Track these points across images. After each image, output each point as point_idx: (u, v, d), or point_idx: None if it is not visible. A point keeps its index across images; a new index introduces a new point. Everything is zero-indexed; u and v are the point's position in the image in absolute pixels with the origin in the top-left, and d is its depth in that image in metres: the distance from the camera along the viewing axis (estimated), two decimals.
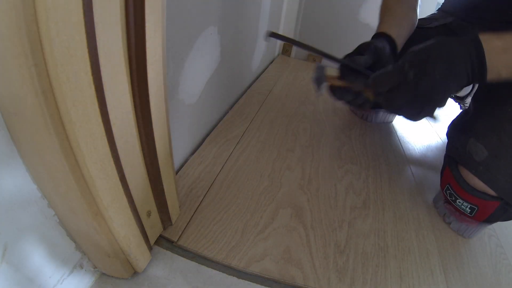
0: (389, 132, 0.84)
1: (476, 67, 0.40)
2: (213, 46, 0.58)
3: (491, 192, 0.46)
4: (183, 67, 0.47)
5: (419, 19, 0.73)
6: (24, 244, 0.26)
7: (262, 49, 1.01)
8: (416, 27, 0.70)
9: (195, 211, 0.46)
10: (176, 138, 0.50)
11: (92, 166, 0.24)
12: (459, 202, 0.50)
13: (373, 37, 0.58)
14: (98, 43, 0.21)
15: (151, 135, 0.32)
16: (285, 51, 1.30)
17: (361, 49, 0.53)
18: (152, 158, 0.34)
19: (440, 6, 0.74)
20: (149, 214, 0.36)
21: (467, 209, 0.49)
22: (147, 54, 0.26)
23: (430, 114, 0.43)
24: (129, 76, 0.26)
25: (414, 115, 0.44)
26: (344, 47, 0.81)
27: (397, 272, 0.43)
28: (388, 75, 0.43)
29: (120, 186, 0.28)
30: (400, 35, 0.59)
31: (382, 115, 0.85)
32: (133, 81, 0.27)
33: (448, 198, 0.53)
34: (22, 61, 0.18)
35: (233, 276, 0.39)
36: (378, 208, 0.55)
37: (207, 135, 0.65)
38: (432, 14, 0.74)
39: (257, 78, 1.00)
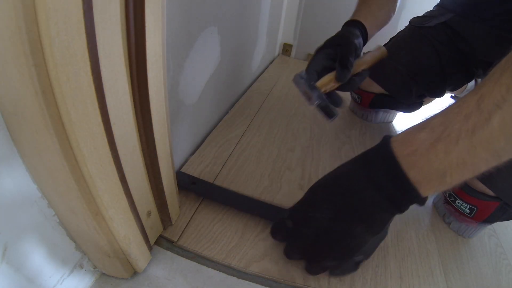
0: (389, 132, 0.84)
1: (390, 188, 0.30)
2: (213, 46, 0.58)
3: (490, 192, 0.46)
4: (183, 67, 0.47)
5: (416, 17, 0.72)
6: (24, 244, 0.26)
7: (262, 49, 1.01)
8: (415, 26, 0.70)
9: (195, 211, 0.46)
10: (176, 138, 0.50)
11: (92, 166, 0.24)
12: (458, 202, 0.50)
13: (345, 24, 0.59)
14: (98, 43, 0.21)
15: (151, 135, 0.32)
16: (285, 51, 1.30)
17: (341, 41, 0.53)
18: (152, 158, 0.34)
19: (438, 2, 0.72)
20: (149, 214, 0.36)
21: (467, 209, 0.49)
22: (147, 54, 0.26)
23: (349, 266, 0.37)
24: (129, 76, 0.26)
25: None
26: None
27: (397, 272, 0.43)
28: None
29: (120, 186, 0.28)
30: (372, 25, 0.58)
31: (382, 115, 0.85)
32: (133, 81, 0.27)
33: (448, 198, 0.53)
34: (22, 61, 0.18)
35: (233, 276, 0.39)
36: None
37: (207, 135, 0.65)
38: (429, 10, 0.72)
39: (257, 78, 1.00)
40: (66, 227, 0.30)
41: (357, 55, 0.52)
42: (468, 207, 0.49)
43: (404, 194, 0.30)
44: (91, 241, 0.30)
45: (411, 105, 0.79)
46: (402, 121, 0.90)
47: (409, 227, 0.52)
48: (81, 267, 0.33)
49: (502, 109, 0.25)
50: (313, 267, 0.37)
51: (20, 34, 0.17)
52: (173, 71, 0.45)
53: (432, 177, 0.29)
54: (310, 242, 0.35)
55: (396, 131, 0.85)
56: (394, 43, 0.74)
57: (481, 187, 0.46)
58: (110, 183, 0.26)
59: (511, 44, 0.29)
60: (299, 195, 0.53)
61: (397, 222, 0.52)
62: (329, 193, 0.34)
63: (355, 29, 0.55)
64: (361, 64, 0.54)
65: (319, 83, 0.50)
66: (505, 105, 0.25)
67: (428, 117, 0.29)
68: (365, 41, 0.58)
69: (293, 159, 0.63)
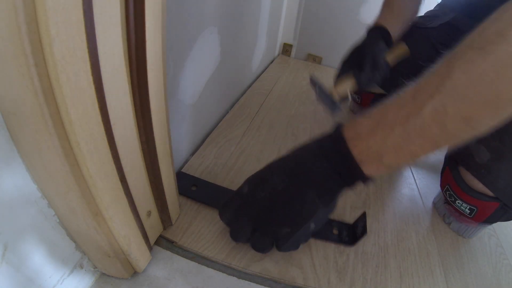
0: None
1: (339, 165, 0.33)
2: (213, 46, 0.58)
3: (490, 193, 0.46)
4: (183, 67, 0.47)
5: (418, 17, 0.71)
6: (24, 244, 0.26)
7: (262, 49, 1.01)
8: (417, 27, 0.69)
9: (196, 211, 0.46)
10: (176, 138, 0.50)
11: (92, 166, 0.24)
12: (458, 203, 0.50)
13: (369, 31, 0.60)
14: (98, 43, 0.21)
15: (151, 135, 0.32)
16: (285, 51, 1.30)
17: (358, 57, 0.55)
18: (152, 158, 0.34)
19: (440, 2, 0.72)
20: (149, 214, 0.36)
21: (467, 210, 0.49)
22: (147, 54, 0.26)
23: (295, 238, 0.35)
24: (129, 76, 0.26)
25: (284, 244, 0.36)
26: (344, 47, 0.83)
27: (397, 272, 0.43)
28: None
29: (120, 186, 0.28)
30: (396, 28, 0.59)
31: None
32: (133, 81, 0.27)
33: (448, 198, 0.53)
34: (22, 61, 0.18)
35: (233, 276, 0.39)
36: (378, 208, 0.54)
37: (208, 135, 0.65)
38: (431, 10, 0.72)
39: (257, 78, 1.00)
40: (66, 227, 0.30)
41: (377, 57, 0.54)
42: (468, 207, 0.49)
43: (349, 170, 0.33)
44: (91, 241, 0.30)
45: None
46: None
47: (409, 227, 0.52)
48: (81, 267, 0.33)
49: (434, 98, 0.27)
50: (263, 239, 0.36)
51: (20, 34, 0.17)
52: (173, 71, 0.45)
53: (371, 158, 0.32)
54: (264, 207, 0.36)
55: None
56: None
57: (481, 187, 0.46)
58: (110, 183, 0.26)
59: None
60: None
61: (397, 222, 0.52)
62: (285, 162, 0.37)
63: (377, 35, 0.57)
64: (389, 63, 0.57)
65: (340, 89, 0.53)
66: (437, 95, 0.27)
67: (374, 107, 0.33)
68: (388, 43, 0.58)
69: None
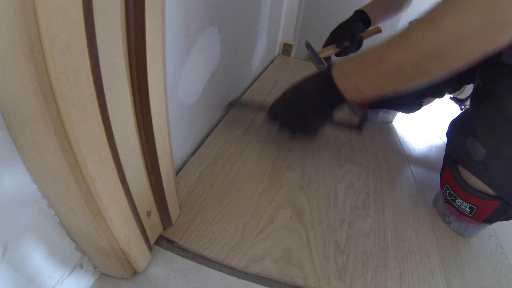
0: (389, 132, 0.84)
1: (329, 92, 0.48)
2: (213, 46, 0.58)
3: (490, 191, 0.46)
4: (183, 67, 0.47)
5: (416, 19, 0.75)
6: (24, 244, 0.26)
7: (262, 49, 1.01)
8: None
9: (196, 211, 0.46)
10: (176, 138, 0.50)
11: (92, 166, 0.24)
12: (458, 202, 0.50)
13: (354, 13, 0.77)
14: (98, 43, 0.21)
15: (151, 135, 0.32)
16: (285, 51, 1.30)
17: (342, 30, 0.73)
18: (152, 158, 0.34)
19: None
20: (149, 214, 0.36)
21: (467, 209, 0.49)
22: (147, 54, 0.26)
23: (307, 132, 0.56)
24: (129, 76, 0.26)
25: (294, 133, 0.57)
26: None
27: (397, 272, 0.43)
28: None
29: (120, 186, 0.28)
30: (376, 14, 0.75)
31: (382, 115, 0.85)
32: (133, 81, 0.27)
33: (448, 198, 0.53)
34: (22, 61, 0.18)
35: (233, 276, 0.39)
36: (378, 208, 0.54)
37: (208, 135, 0.65)
38: None
39: (257, 78, 1.00)
40: (66, 227, 0.30)
41: (354, 33, 0.71)
42: (468, 206, 0.49)
43: (336, 98, 0.49)
44: (91, 241, 0.30)
45: (411, 106, 0.79)
46: (402, 121, 0.90)
47: (409, 227, 0.52)
48: (81, 267, 0.33)
49: (397, 50, 0.40)
50: (294, 131, 0.57)
51: (20, 34, 0.17)
52: (173, 71, 0.45)
53: (351, 89, 0.47)
54: (290, 114, 0.54)
55: (396, 131, 0.85)
56: None
57: (480, 185, 0.47)
58: (110, 183, 0.26)
59: None
60: (299, 195, 0.53)
61: (397, 222, 0.52)
62: (294, 90, 0.54)
63: (356, 17, 0.75)
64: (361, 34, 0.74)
65: (323, 51, 0.74)
66: (400, 48, 0.40)
67: (356, 54, 0.47)
68: (367, 25, 0.74)
69: (293, 159, 0.63)
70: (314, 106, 0.52)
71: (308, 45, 0.71)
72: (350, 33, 0.71)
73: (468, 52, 0.36)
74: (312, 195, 0.54)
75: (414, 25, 0.39)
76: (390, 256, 0.45)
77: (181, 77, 0.48)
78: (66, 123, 0.21)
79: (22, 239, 0.26)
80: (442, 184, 0.55)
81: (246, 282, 0.39)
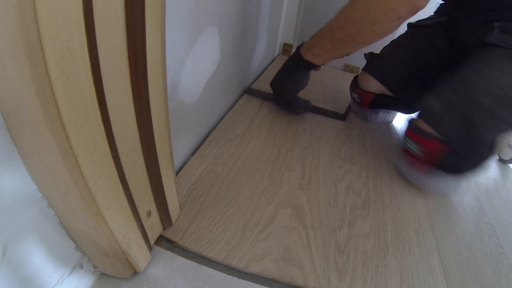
0: (389, 132, 0.84)
1: (299, 63, 0.67)
2: (213, 46, 0.58)
3: (436, 134, 0.53)
4: (183, 67, 0.47)
5: (413, 22, 0.80)
6: (24, 244, 0.26)
7: (262, 49, 1.01)
8: (413, 26, 0.78)
9: (196, 211, 0.46)
10: (176, 138, 0.50)
11: (92, 166, 0.24)
12: (408, 143, 0.57)
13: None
14: (98, 43, 0.21)
15: (151, 135, 0.32)
16: (285, 51, 1.30)
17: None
18: (152, 158, 0.34)
19: (435, 11, 0.79)
20: (149, 214, 0.36)
21: (415, 149, 0.56)
22: (147, 54, 0.26)
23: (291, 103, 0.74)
24: (129, 76, 0.26)
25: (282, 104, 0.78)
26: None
27: (397, 272, 0.43)
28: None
29: (120, 186, 0.28)
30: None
31: (382, 115, 0.85)
32: (133, 81, 0.27)
33: (402, 144, 0.60)
34: (22, 61, 0.18)
35: (233, 276, 0.39)
36: (378, 208, 0.55)
37: (208, 135, 0.65)
38: (423, 18, 0.78)
39: (257, 78, 1.00)
40: (66, 227, 0.30)
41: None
42: (416, 146, 0.56)
43: (304, 64, 0.66)
44: (91, 241, 0.30)
45: (411, 106, 0.79)
46: (402, 121, 0.90)
47: (409, 227, 0.52)
48: (81, 267, 0.33)
49: (337, 23, 0.56)
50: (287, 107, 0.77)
51: (20, 34, 0.17)
52: (173, 71, 0.45)
53: (315, 57, 0.63)
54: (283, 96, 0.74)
55: (396, 131, 0.85)
56: (395, 44, 0.79)
57: (428, 129, 0.54)
58: (110, 183, 0.26)
59: (490, 29, 0.57)
60: (299, 195, 0.53)
61: (397, 222, 0.52)
62: (277, 73, 0.73)
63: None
64: None
65: None
66: (338, 21, 0.56)
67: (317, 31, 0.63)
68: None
69: (293, 159, 0.63)
70: (289, 77, 0.69)
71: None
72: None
73: (374, 19, 0.50)
74: (312, 195, 0.54)
75: (344, 5, 0.55)
76: (390, 256, 0.45)
77: (181, 77, 0.48)
78: (66, 123, 0.21)
79: (22, 239, 0.26)
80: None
81: (246, 282, 0.39)
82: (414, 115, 0.59)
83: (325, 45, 0.60)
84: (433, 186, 0.59)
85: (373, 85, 0.77)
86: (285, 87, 0.69)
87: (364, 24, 0.51)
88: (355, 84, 0.82)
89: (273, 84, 0.74)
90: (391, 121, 0.89)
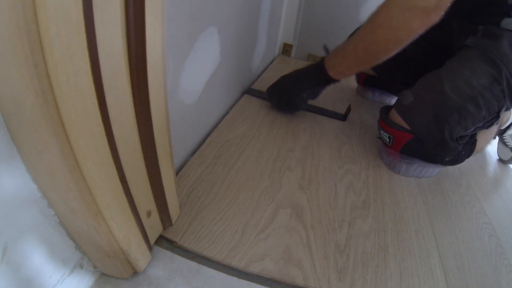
0: None
1: (319, 75, 0.69)
2: (213, 46, 0.58)
3: (405, 125, 0.59)
4: (183, 67, 0.47)
5: None
6: (24, 244, 0.26)
7: (262, 49, 1.01)
8: None
9: (196, 211, 0.46)
10: (176, 138, 0.50)
11: (92, 166, 0.24)
12: (381, 133, 0.63)
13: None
14: (98, 43, 0.21)
15: (151, 135, 0.32)
16: (285, 51, 1.30)
17: None
18: (152, 158, 0.34)
19: None
20: (149, 214, 0.36)
21: (386, 138, 0.62)
22: (147, 54, 0.26)
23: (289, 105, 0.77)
24: (129, 76, 0.26)
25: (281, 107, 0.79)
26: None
27: (397, 272, 0.43)
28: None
29: (120, 186, 0.28)
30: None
31: (378, 96, 0.99)
32: (133, 81, 0.27)
33: (379, 136, 0.65)
34: (22, 61, 0.18)
35: (233, 276, 0.39)
36: (378, 208, 0.54)
37: (208, 135, 0.65)
38: None
39: (257, 78, 1.00)
40: (66, 227, 0.30)
41: None
42: (387, 136, 0.62)
43: (326, 76, 0.68)
44: (91, 241, 0.30)
45: (397, 91, 0.88)
46: None
47: (409, 227, 0.52)
48: (81, 267, 0.33)
49: (363, 42, 0.59)
50: (282, 104, 0.78)
51: (20, 34, 0.17)
52: (173, 71, 0.45)
53: (339, 74, 0.67)
54: (282, 94, 0.77)
55: None
56: None
57: (399, 121, 0.60)
58: (110, 183, 0.26)
59: (475, 31, 0.61)
60: (299, 195, 0.53)
61: (397, 222, 0.52)
62: (291, 75, 0.76)
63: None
64: None
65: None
66: (363, 42, 0.59)
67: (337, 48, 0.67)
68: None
69: (293, 159, 0.63)
70: (310, 88, 0.72)
71: (326, 48, 0.78)
72: None
73: (397, 40, 0.56)
74: (312, 195, 0.54)
75: (364, 25, 0.59)
76: (390, 256, 0.45)
77: (181, 77, 0.48)
78: (66, 123, 0.21)
79: (22, 239, 0.26)
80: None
81: (246, 282, 0.39)
82: (385, 106, 0.66)
83: (350, 64, 0.64)
84: (407, 172, 0.65)
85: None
86: (305, 95, 0.73)
87: (388, 44, 0.56)
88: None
89: (290, 91, 0.75)
90: (389, 103, 0.93)
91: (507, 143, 0.79)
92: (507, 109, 0.60)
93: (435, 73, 0.60)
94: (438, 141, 0.57)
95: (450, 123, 0.55)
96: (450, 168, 0.71)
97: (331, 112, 0.85)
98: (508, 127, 0.78)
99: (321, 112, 0.84)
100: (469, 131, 0.58)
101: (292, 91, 0.74)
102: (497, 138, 0.84)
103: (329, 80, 0.68)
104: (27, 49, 0.17)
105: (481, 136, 0.66)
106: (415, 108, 0.58)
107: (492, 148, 0.88)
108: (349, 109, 0.86)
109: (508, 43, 0.57)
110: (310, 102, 0.78)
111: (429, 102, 0.57)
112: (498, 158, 0.84)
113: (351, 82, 1.13)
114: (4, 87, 0.20)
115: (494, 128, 0.69)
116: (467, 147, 0.62)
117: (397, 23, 0.53)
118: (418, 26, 0.52)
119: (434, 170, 0.65)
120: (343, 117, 0.84)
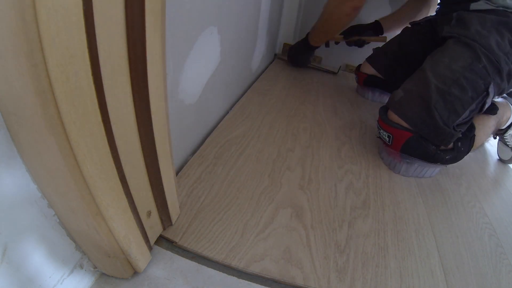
0: None
1: (305, 44, 1.07)
2: (213, 46, 0.58)
3: (404, 124, 0.60)
4: (183, 67, 0.47)
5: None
6: (24, 244, 0.26)
7: (262, 49, 1.01)
8: (411, 23, 0.94)
9: (196, 211, 0.46)
10: (176, 138, 0.50)
11: (92, 166, 0.24)
12: (381, 132, 0.64)
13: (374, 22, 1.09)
14: (98, 43, 0.21)
15: (151, 135, 0.32)
16: (285, 51, 1.30)
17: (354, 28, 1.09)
18: (152, 158, 0.34)
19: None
20: (149, 214, 0.36)
21: (386, 137, 0.63)
22: (147, 54, 0.26)
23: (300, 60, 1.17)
24: (129, 76, 0.26)
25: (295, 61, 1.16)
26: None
27: (397, 272, 0.43)
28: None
29: (120, 186, 0.28)
30: (389, 25, 1.07)
31: (378, 96, 1.03)
32: (133, 81, 0.27)
33: (379, 136, 0.66)
34: (22, 61, 0.18)
35: (233, 276, 0.39)
36: (378, 208, 0.55)
37: (208, 135, 0.65)
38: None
39: (257, 78, 1.00)
40: (66, 227, 0.30)
41: (360, 34, 1.06)
42: (386, 135, 0.62)
43: (309, 44, 1.05)
44: (91, 241, 0.30)
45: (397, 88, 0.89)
46: None
47: (409, 227, 0.52)
48: (81, 267, 0.33)
49: (321, 21, 0.95)
50: (295, 63, 1.20)
51: (20, 34, 0.17)
52: (173, 71, 0.45)
53: (316, 40, 1.02)
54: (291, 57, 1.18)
55: None
56: (391, 39, 0.99)
57: (397, 119, 0.61)
58: (110, 183, 0.26)
59: (450, 20, 0.68)
60: (299, 195, 0.53)
61: (397, 222, 0.52)
62: (294, 46, 1.14)
63: (370, 25, 1.08)
64: (364, 38, 1.08)
65: (336, 38, 1.09)
66: (321, 21, 0.95)
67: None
68: (378, 31, 1.07)
69: (293, 159, 0.63)
70: (299, 51, 1.10)
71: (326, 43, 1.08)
72: (357, 33, 1.06)
73: (337, 19, 0.88)
74: (312, 195, 0.54)
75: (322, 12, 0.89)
76: (390, 256, 0.45)
77: (181, 77, 0.48)
78: (66, 123, 0.21)
79: (22, 239, 0.26)
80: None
81: (246, 282, 0.39)
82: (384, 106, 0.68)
83: (318, 34, 0.99)
84: (407, 172, 0.65)
85: (367, 68, 0.99)
86: (303, 57, 1.13)
87: (332, 22, 0.89)
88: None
89: (295, 55, 1.14)
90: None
91: (507, 143, 0.79)
92: (501, 92, 0.63)
93: (420, 68, 0.65)
94: (432, 128, 0.58)
95: (437, 109, 0.58)
96: (450, 168, 0.71)
97: (325, 70, 1.22)
98: (509, 127, 0.78)
99: (318, 69, 1.22)
100: (463, 116, 0.59)
101: (296, 55, 1.13)
102: (497, 138, 0.84)
103: (312, 47, 1.05)
104: (27, 49, 0.17)
105: (479, 130, 0.67)
106: (405, 101, 0.61)
107: (492, 148, 0.88)
108: (340, 68, 1.23)
109: (477, 21, 0.62)
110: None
111: (415, 92, 0.61)
112: (498, 158, 0.84)
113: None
114: (4, 87, 0.20)
115: (492, 121, 0.69)
116: (466, 142, 0.63)
117: (334, 8, 0.85)
118: (349, 10, 0.82)
119: (434, 170, 0.65)
120: (335, 73, 1.21)
